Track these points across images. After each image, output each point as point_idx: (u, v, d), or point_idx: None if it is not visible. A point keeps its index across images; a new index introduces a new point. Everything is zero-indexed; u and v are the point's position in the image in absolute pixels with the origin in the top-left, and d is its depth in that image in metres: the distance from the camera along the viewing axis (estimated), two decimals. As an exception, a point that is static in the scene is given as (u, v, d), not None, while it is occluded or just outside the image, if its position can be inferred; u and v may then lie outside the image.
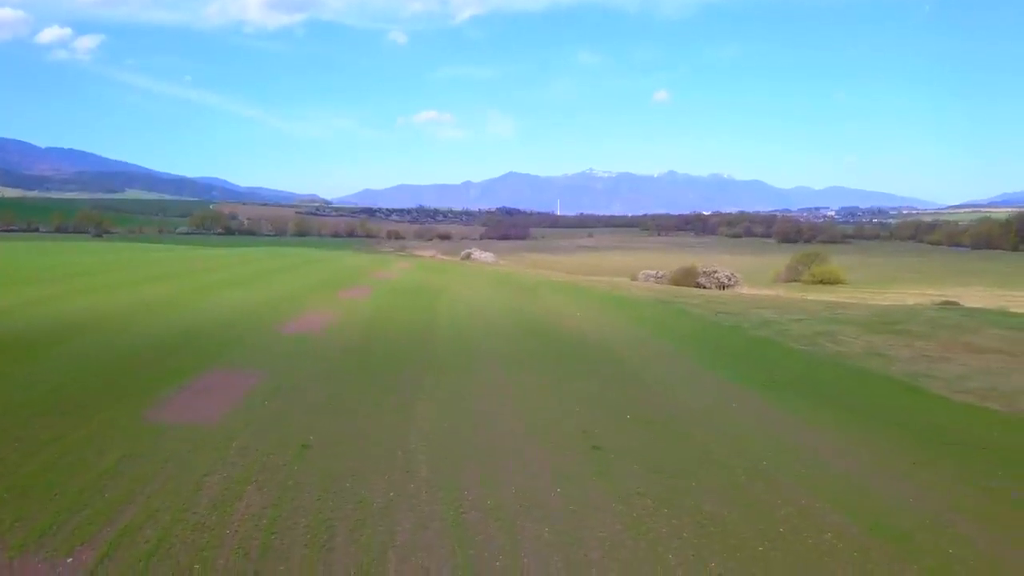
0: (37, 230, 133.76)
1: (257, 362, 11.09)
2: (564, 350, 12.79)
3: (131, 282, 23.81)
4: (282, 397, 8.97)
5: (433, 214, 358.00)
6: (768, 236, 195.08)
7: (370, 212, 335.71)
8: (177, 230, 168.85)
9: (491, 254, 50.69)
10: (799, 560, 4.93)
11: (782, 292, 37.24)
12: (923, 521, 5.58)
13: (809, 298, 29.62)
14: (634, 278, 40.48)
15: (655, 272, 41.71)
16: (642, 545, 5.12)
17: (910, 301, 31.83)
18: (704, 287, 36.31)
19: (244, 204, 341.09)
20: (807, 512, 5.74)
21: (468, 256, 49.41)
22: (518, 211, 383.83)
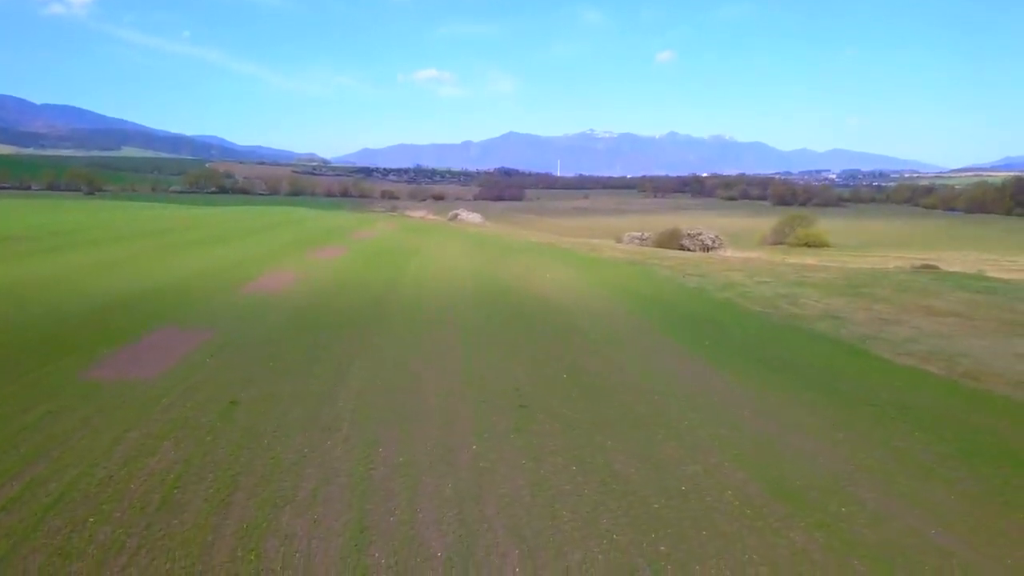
0: (29, 187, 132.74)
1: (209, 320, 11.12)
2: (520, 311, 12.82)
3: (100, 240, 23.74)
4: (224, 355, 9.01)
5: (431, 174, 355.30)
6: (764, 199, 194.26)
7: (367, 172, 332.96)
8: (170, 188, 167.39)
9: (478, 215, 50.40)
10: (690, 517, 5.01)
11: (764, 255, 37.18)
12: (823, 480, 5.67)
13: (789, 261, 29.62)
14: (619, 240, 40.36)
15: (640, 234, 41.54)
16: (539, 502, 5.20)
17: (890, 265, 31.86)
18: (688, 249, 36.24)
19: (241, 163, 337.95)
20: (713, 471, 5.82)
21: (455, 217, 49.12)
22: (517, 172, 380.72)
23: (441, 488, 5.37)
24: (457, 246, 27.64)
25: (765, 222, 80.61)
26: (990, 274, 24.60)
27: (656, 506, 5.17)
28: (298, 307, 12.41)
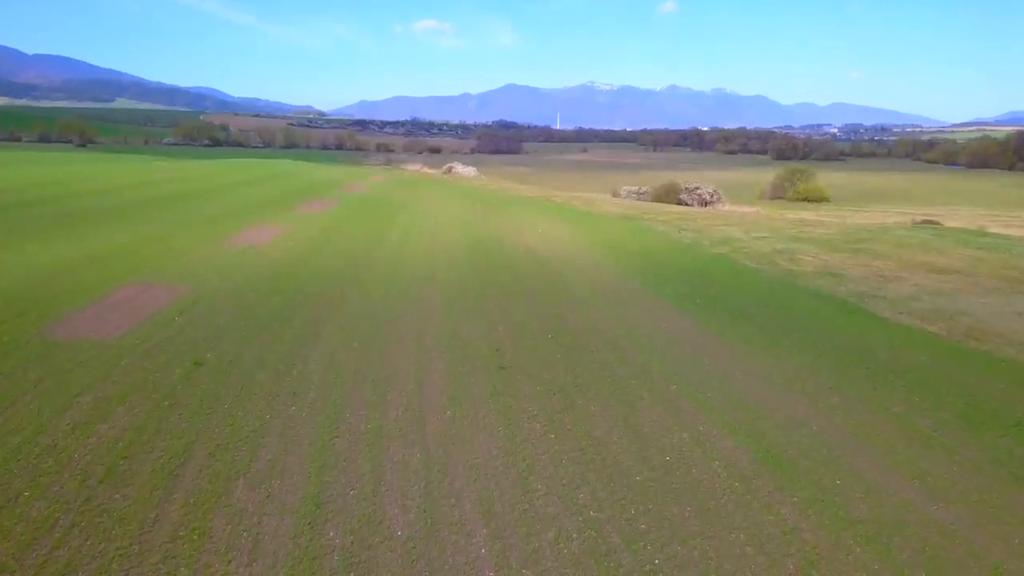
0: (20, 139, 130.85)
1: (185, 276, 10.69)
2: (508, 268, 12.38)
3: (81, 194, 23.16)
4: (195, 312, 8.62)
5: (428, 127, 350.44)
6: (765, 152, 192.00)
7: (363, 124, 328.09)
8: (163, 141, 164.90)
9: (473, 168, 49.40)
10: (674, 491, 4.68)
11: (763, 209, 36.57)
12: (817, 449, 5.33)
13: (788, 216, 29.09)
14: (616, 194, 39.66)
15: (637, 188, 40.77)
16: (512, 473, 4.86)
17: (890, 220, 31.33)
18: (686, 204, 35.62)
19: (236, 115, 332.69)
20: (701, 439, 5.47)
21: (449, 170, 48.20)
22: (515, 125, 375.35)
23: (408, 458, 5.02)
24: (449, 200, 27.02)
25: (765, 176, 79.55)
26: (992, 230, 24.15)
27: (638, 478, 4.84)
28: (279, 263, 11.96)
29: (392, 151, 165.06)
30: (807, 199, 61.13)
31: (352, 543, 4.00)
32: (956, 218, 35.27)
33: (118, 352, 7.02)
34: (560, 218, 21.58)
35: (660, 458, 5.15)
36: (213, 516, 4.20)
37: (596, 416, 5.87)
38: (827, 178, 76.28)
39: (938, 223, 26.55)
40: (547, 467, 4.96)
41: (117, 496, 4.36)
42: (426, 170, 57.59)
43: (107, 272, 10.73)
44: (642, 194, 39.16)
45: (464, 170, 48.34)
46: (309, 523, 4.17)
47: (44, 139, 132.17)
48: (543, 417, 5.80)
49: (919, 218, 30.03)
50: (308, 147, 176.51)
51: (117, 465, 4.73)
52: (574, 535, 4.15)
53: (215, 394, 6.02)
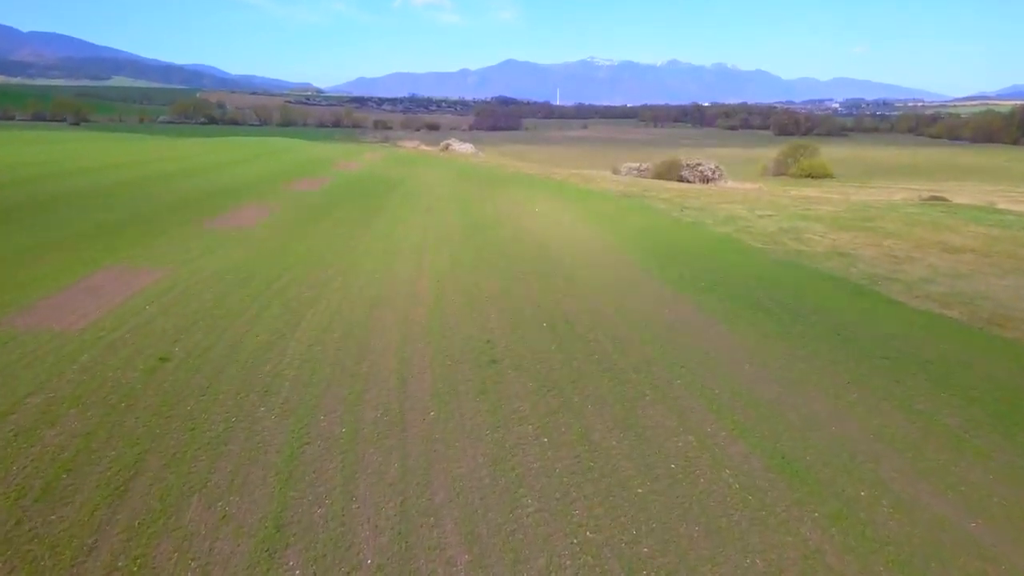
0: (13, 118, 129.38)
1: (164, 259, 10.19)
2: (502, 250, 11.82)
3: (69, 173, 22.52)
4: (168, 299, 8.12)
5: (426, 103, 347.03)
6: (766, 128, 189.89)
7: (360, 101, 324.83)
8: (159, 119, 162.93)
9: (471, 145, 48.50)
10: (680, 506, 4.18)
11: (766, 186, 35.83)
12: (837, 454, 4.82)
13: (792, 193, 28.42)
14: (616, 171, 38.88)
15: (638, 165, 39.93)
16: (500, 485, 4.36)
17: (897, 196, 30.65)
18: (688, 181, 34.87)
19: (233, 93, 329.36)
20: (708, 442, 4.97)
21: (446, 147, 47.37)
22: (515, 101, 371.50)
23: (385, 468, 4.52)
24: (445, 179, 26.33)
25: (767, 152, 78.48)
26: (1000, 206, 23.51)
27: (640, 491, 4.33)
28: (263, 245, 11.41)
29: (390, 128, 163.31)
30: (810, 175, 60.04)
31: (314, 574, 3.50)
32: (963, 194, 34.59)
33: (79, 345, 6.52)
34: (559, 196, 20.92)
35: (664, 466, 4.64)
36: (159, 541, 3.70)
37: (593, 417, 5.35)
38: (830, 154, 75.19)
39: (946, 199, 25.92)
40: (539, 478, 4.46)
41: (53, 518, 3.86)
42: (423, 147, 56.64)
43: (85, 255, 10.27)
44: (643, 171, 38.36)
45: (462, 147, 47.48)
46: (267, 549, 3.67)
47: (39, 118, 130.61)
48: (535, 418, 5.29)
49: (926, 194, 29.36)
50: (305, 124, 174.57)
51: (58, 479, 4.24)
52: (568, 562, 3.65)
53: (178, 393, 5.52)
